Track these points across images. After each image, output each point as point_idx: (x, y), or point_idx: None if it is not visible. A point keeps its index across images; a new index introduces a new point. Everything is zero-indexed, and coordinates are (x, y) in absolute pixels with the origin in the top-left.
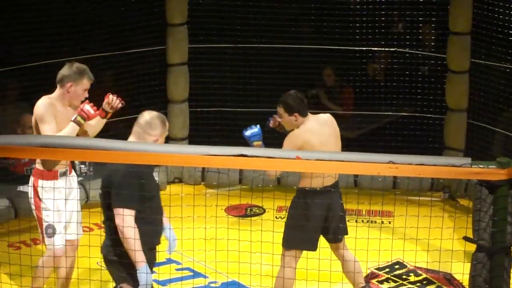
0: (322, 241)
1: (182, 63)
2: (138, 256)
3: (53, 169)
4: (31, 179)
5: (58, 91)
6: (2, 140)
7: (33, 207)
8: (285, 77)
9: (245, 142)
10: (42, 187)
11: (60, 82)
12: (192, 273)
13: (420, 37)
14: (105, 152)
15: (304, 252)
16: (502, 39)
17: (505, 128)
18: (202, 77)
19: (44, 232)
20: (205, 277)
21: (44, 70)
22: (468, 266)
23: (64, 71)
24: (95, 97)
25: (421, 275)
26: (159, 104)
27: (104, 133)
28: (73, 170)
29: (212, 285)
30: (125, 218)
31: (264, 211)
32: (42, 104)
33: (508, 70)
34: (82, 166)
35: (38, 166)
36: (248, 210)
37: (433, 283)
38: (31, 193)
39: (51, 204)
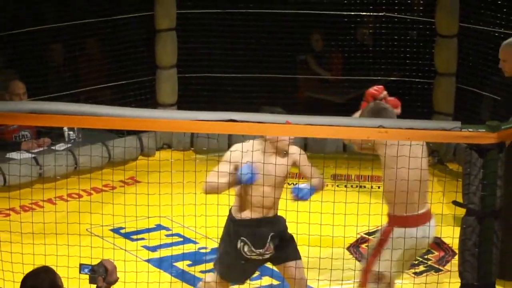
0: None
1: (170, 29)
2: None
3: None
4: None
5: None
6: None
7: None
8: (274, 43)
9: (233, 108)
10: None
11: None
12: (182, 239)
13: (409, 1)
14: (94, 118)
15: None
16: (491, 2)
17: (493, 92)
18: (190, 42)
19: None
20: (195, 243)
21: (29, 37)
22: (457, 230)
23: None
24: (82, 63)
25: None
26: (147, 70)
27: (91, 100)
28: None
29: (202, 251)
30: None
31: None
32: None
33: (496, 34)
34: (71, 132)
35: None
36: None
37: None
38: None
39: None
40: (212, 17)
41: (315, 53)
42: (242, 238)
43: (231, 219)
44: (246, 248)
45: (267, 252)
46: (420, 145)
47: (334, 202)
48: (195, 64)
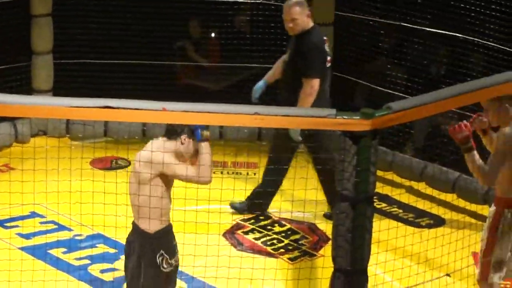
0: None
1: (47, 14)
2: None
3: None
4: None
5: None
6: None
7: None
8: (152, 29)
9: (109, 94)
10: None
11: None
12: (56, 226)
13: None
14: None
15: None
16: None
17: (367, 79)
18: (67, 28)
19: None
20: (70, 230)
21: None
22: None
23: None
24: None
25: (285, 225)
26: (23, 56)
27: None
28: None
29: (77, 237)
30: None
31: (130, 163)
32: None
33: (371, 23)
34: None
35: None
36: (114, 162)
37: (297, 233)
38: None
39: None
40: (89, 3)
41: (193, 40)
42: (160, 252)
43: (143, 235)
44: (165, 263)
45: (176, 263)
46: None
47: (210, 188)
48: (71, 50)
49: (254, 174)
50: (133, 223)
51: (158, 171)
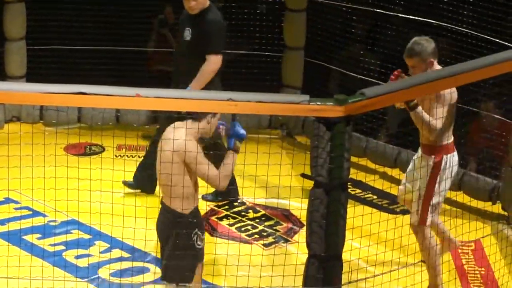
0: None
1: (19, 0)
2: None
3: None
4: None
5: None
6: None
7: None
8: (126, 15)
9: (82, 81)
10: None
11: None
12: (31, 212)
13: None
14: None
15: None
16: None
17: (341, 66)
18: (39, 14)
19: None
20: (44, 216)
21: None
22: (306, 202)
23: None
24: None
25: (259, 211)
26: None
27: None
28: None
29: (51, 223)
30: None
31: (104, 149)
32: None
33: (344, 9)
34: None
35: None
36: (88, 148)
37: (271, 219)
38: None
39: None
40: None
41: (169, 26)
42: (195, 231)
43: (177, 216)
44: (198, 240)
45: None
46: None
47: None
48: (44, 36)
49: None
50: (166, 207)
51: (185, 162)
